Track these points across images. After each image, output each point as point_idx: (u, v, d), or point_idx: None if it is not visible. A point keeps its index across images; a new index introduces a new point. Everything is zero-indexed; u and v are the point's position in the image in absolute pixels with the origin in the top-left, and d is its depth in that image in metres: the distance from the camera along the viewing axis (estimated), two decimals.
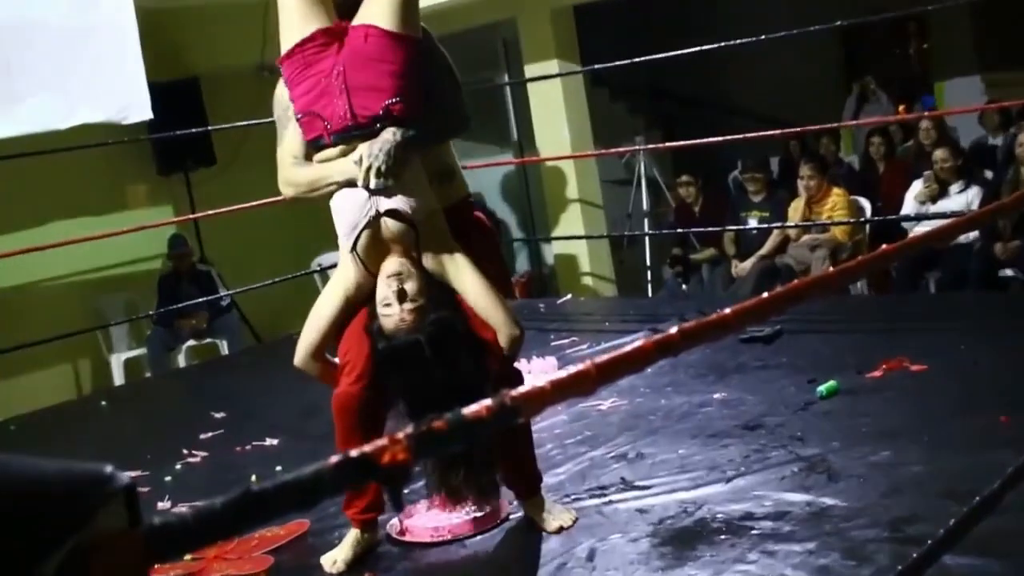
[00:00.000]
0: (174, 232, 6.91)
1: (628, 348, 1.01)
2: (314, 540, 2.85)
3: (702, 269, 6.97)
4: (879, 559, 2.21)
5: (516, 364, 2.71)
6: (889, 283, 6.03)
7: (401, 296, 2.40)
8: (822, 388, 3.40)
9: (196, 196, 7.15)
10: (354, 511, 2.70)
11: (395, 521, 2.80)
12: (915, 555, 1.68)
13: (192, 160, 7.18)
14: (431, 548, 2.71)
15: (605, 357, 0.98)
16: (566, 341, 4.70)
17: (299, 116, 2.53)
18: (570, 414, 3.58)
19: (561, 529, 2.66)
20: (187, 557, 2.72)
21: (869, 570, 2.18)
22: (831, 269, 1.48)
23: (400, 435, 0.79)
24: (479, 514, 2.71)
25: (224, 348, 6.61)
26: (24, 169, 5.56)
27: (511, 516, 2.80)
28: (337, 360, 2.61)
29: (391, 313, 2.40)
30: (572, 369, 0.95)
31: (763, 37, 4.77)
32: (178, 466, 3.71)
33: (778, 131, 5.57)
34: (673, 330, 1.07)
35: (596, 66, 6.00)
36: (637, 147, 7.65)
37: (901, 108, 8.10)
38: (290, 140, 2.61)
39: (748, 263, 6.35)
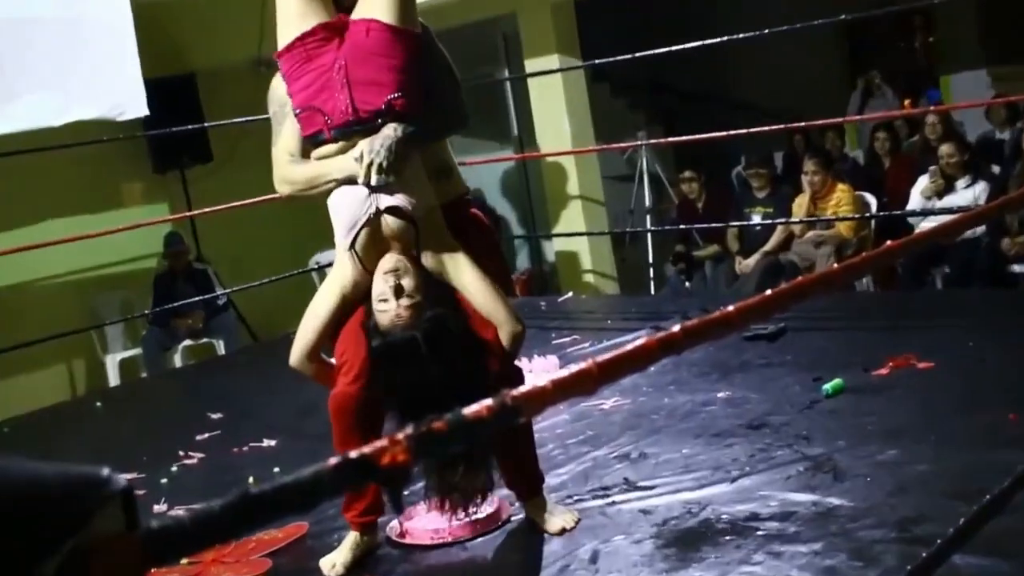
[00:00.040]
0: (170, 230, 6.89)
1: (630, 346, 1.01)
2: (313, 543, 2.83)
3: (705, 266, 6.95)
4: (886, 560, 2.20)
5: (517, 363, 2.68)
6: (895, 279, 6.00)
7: (398, 292, 2.38)
8: (827, 386, 3.37)
9: (192, 193, 7.13)
10: (353, 513, 2.67)
11: (395, 523, 2.78)
12: (924, 555, 1.66)
13: (188, 157, 7.15)
14: (431, 550, 2.69)
15: (607, 356, 0.98)
16: (567, 339, 4.68)
17: (298, 111, 2.51)
18: (572, 414, 3.56)
19: (563, 530, 2.63)
20: (184, 561, 2.69)
21: (876, 571, 2.16)
22: (836, 266, 1.45)
23: (400, 436, 0.79)
24: (480, 516, 2.68)
25: (221, 348, 6.59)
26: (18, 167, 5.55)
27: (512, 517, 2.77)
28: (333, 360, 2.58)
29: (387, 309, 2.38)
30: (574, 368, 0.95)
31: (767, 31, 4.73)
32: (174, 468, 3.69)
33: (782, 126, 5.52)
34: (676, 328, 1.06)
35: (597, 61, 5.95)
36: (639, 142, 7.62)
37: (907, 102, 8.07)
38: (286, 136, 2.59)
39: (752, 260, 6.33)
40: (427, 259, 2.47)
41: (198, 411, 4.40)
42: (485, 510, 2.66)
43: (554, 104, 7.00)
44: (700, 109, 9.16)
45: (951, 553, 1.73)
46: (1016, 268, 5.45)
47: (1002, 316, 4.14)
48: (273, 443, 3.80)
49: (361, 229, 2.45)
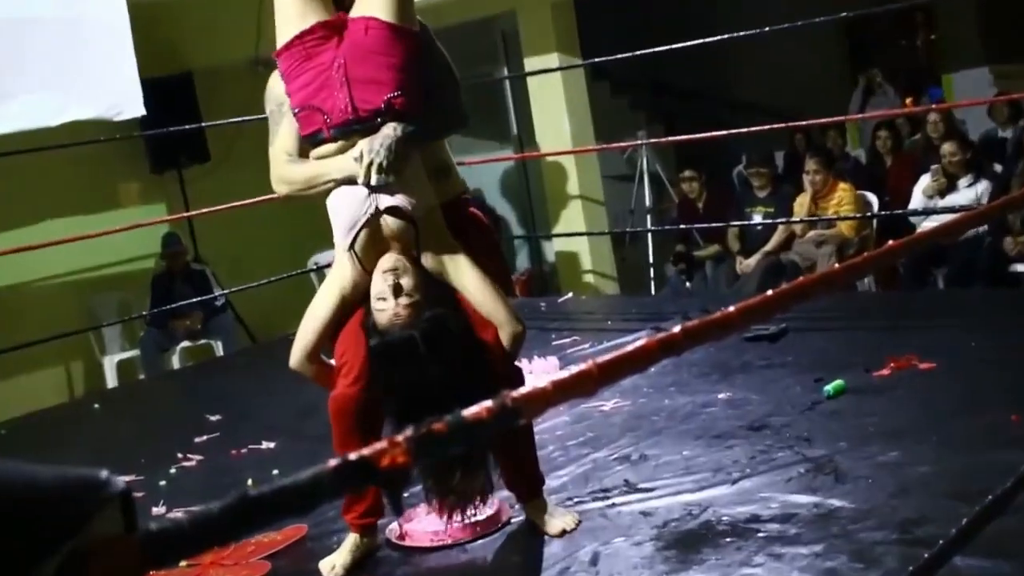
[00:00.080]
0: (168, 231, 6.88)
1: (631, 347, 1.01)
2: (312, 545, 2.82)
3: (706, 266, 6.94)
4: (888, 561, 2.19)
5: (516, 364, 2.66)
6: (896, 279, 5.99)
7: (396, 291, 2.37)
8: (829, 387, 3.36)
9: (190, 194, 7.11)
10: (353, 515, 2.66)
11: (395, 525, 2.77)
12: (925, 557, 1.65)
13: (186, 157, 7.14)
14: (431, 553, 2.68)
15: (607, 357, 0.98)
16: (567, 340, 4.66)
17: (297, 110, 2.50)
18: (572, 415, 3.55)
19: (563, 532, 2.62)
20: (183, 563, 2.68)
21: (878, 572, 2.15)
22: (837, 265, 1.45)
23: (399, 438, 0.79)
24: (480, 518, 2.67)
25: (219, 349, 6.58)
26: (15, 167, 5.54)
27: (512, 520, 2.76)
28: (333, 362, 2.56)
29: (385, 308, 2.37)
30: (574, 369, 0.95)
31: (767, 29, 4.72)
32: (173, 470, 3.68)
33: (783, 125, 5.51)
34: (676, 329, 1.06)
35: (597, 59, 5.94)
36: (639, 141, 7.61)
37: (908, 101, 8.05)
38: (284, 136, 2.57)
39: (753, 260, 6.32)
40: (427, 259, 2.46)
41: (196, 413, 4.38)
42: (485, 512, 2.65)
43: (554, 103, 6.99)
44: (700, 108, 9.15)
45: (952, 554, 1.73)
46: (1018, 268, 5.43)
47: (1004, 316, 4.12)
48: (272, 445, 3.78)
49: (361, 229, 2.45)
